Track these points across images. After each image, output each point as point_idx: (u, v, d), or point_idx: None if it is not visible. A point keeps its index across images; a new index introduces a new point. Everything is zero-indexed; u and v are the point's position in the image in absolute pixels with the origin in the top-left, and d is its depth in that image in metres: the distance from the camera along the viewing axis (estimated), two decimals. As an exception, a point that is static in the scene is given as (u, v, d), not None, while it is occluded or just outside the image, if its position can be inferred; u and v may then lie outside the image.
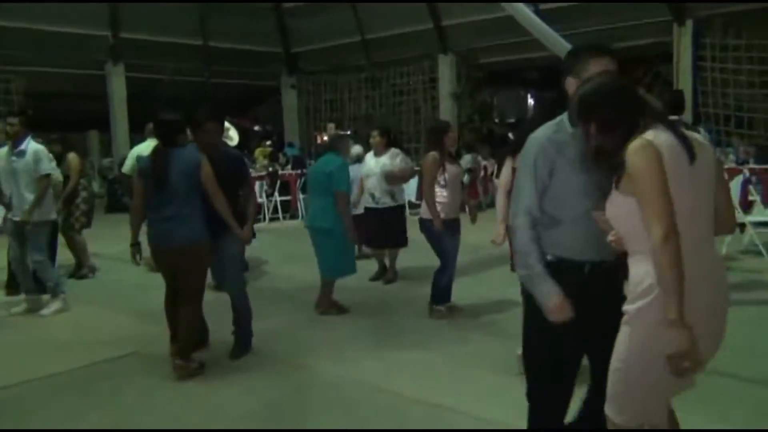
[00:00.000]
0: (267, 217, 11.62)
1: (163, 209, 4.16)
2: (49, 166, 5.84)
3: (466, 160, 12.62)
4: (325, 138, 16.32)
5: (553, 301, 2.33)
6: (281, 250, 9.06)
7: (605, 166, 2.15)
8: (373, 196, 6.74)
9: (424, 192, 5.42)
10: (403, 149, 7.78)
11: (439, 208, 5.39)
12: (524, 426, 3.39)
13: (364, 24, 15.68)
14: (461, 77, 15.42)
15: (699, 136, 2.20)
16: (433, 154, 5.44)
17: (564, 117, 2.46)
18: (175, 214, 4.13)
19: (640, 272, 2.07)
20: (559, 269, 2.38)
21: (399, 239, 6.82)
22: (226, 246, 4.47)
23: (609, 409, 2.21)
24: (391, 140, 7.05)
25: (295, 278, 7.23)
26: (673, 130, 2.07)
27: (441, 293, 5.53)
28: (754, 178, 8.77)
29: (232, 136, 7.13)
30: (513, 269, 4.39)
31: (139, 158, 4.85)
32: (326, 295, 5.77)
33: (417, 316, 5.56)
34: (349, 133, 6.73)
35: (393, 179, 6.68)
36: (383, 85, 16.39)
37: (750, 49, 11.53)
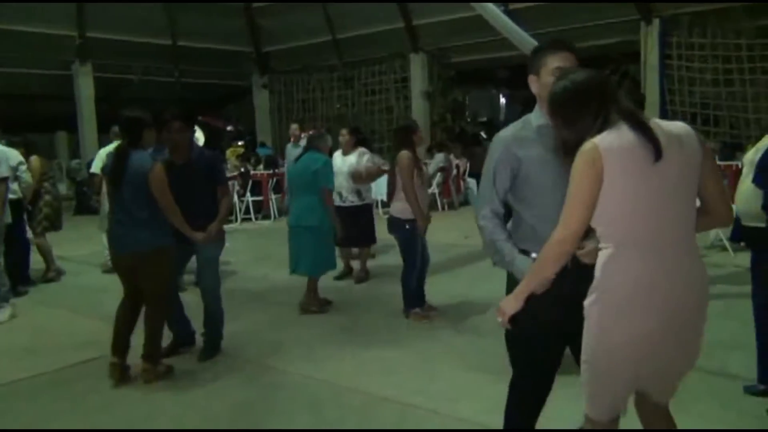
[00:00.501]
0: (239, 218, 11.54)
1: (120, 212, 4.07)
2: (4, 169, 5.76)
3: (439, 158, 12.68)
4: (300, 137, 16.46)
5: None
6: (253, 250, 9.01)
7: (569, 161, 2.14)
8: (340, 194, 6.70)
9: (407, 191, 5.34)
10: (373, 149, 7.79)
11: (403, 207, 5.38)
12: (493, 423, 3.42)
13: (335, 23, 15.63)
14: (433, 76, 15.45)
15: (681, 128, 2.13)
16: (407, 153, 5.43)
17: (530, 115, 2.49)
18: (131, 218, 4.02)
19: (599, 257, 2.10)
20: None
21: (367, 238, 6.83)
22: (202, 248, 4.43)
23: (585, 405, 2.24)
24: (359, 139, 7.09)
25: (267, 278, 7.20)
26: (640, 128, 2.04)
27: (414, 295, 5.50)
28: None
29: (198, 137, 7.08)
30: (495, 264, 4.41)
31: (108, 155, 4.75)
32: (314, 294, 5.80)
33: (388, 315, 5.57)
34: (324, 131, 6.66)
35: (360, 178, 6.69)
36: (355, 84, 16.35)
37: (715, 47, 11.71)
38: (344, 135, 6.97)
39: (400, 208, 5.41)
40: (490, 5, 6.85)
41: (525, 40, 6.90)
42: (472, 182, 13.87)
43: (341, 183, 6.68)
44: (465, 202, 13.41)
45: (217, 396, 3.99)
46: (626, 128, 2.04)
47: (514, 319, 2.26)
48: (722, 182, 2.25)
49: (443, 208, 12.37)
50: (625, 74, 12.82)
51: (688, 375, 3.69)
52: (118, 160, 4.05)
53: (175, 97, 16.95)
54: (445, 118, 15.68)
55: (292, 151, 9.48)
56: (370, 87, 16.17)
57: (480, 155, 16.64)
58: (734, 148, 11.06)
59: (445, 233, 8.88)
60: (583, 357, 2.16)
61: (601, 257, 2.07)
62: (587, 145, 2.03)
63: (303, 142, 9.33)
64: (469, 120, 17.91)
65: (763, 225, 3.40)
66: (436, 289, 6.00)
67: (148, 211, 4.01)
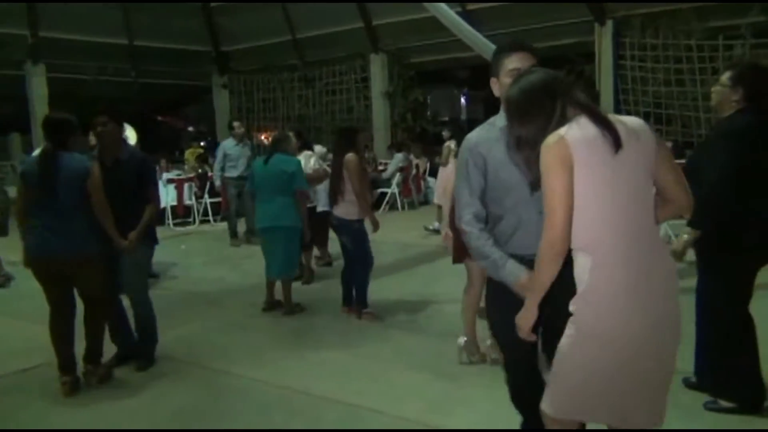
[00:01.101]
0: (197, 220, 11.41)
1: (49, 217, 3.89)
2: None
3: (398, 158, 12.73)
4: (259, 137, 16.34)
5: (522, 277, 2.31)
6: (210, 252, 8.94)
7: (526, 158, 2.18)
8: None
9: (359, 193, 5.36)
10: (329, 149, 7.72)
11: (351, 209, 5.40)
12: (436, 422, 3.47)
13: (294, 23, 15.56)
14: (393, 76, 15.48)
15: (636, 121, 2.16)
16: (354, 156, 5.44)
17: (495, 117, 2.54)
18: (65, 223, 3.88)
19: (577, 270, 2.09)
20: None
21: (312, 240, 6.62)
22: (128, 251, 4.27)
23: (543, 401, 2.24)
24: (305, 142, 6.99)
25: (222, 281, 7.15)
26: (599, 120, 2.07)
27: (365, 295, 5.53)
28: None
29: (130, 136, 6.88)
30: (455, 262, 4.45)
31: (23, 160, 4.64)
32: (290, 294, 5.80)
33: (337, 317, 5.58)
34: (287, 133, 6.58)
35: (308, 180, 6.51)
36: (316, 84, 16.29)
37: (667, 48, 11.97)
38: (294, 137, 6.81)
39: (347, 210, 5.41)
40: (443, 5, 6.93)
41: (479, 41, 7.00)
42: (432, 182, 13.96)
43: None
44: (425, 202, 13.48)
45: (160, 401, 3.95)
46: (585, 121, 2.07)
47: (535, 328, 2.24)
48: (679, 169, 2.25)
49: (403, 208, 12.43)
50: (580, 74, 13.00)
51: None
52: (46, 164, 3.88)
53: (133, 97, 16.74)
54: (406, 118, 15.73)
55: (233, 150, 9.36)
56: (330, 87, 16.12)
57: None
58: (685, 147, 11.36)
59: (404, 232, 8.93)
60: (556, 360, 2.16)
61: (582, 262, 2.06)
62: (553, 138, 2.06)
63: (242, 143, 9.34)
64: (430, 120, 17.99)
65: None
66: (391, 289, 6.04)
67: (84, 215, 3.91)
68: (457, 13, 7.76)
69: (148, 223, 4.30)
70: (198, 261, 8.24)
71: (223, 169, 9.28)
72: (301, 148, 6.73)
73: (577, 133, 2.04)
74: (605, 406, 2.14)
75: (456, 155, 4.76)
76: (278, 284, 5.79)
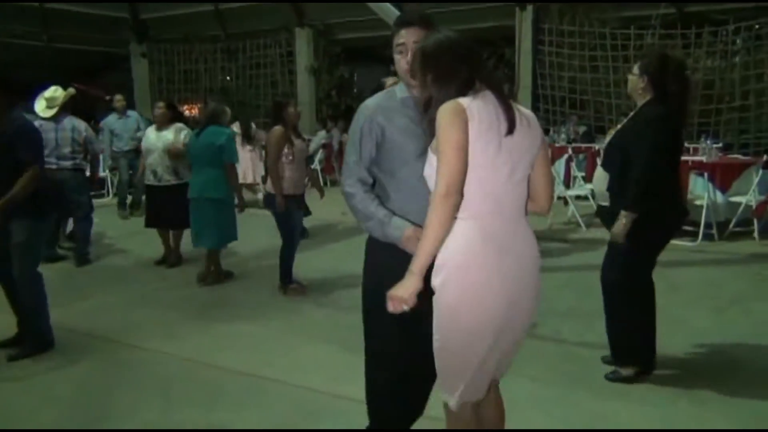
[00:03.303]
0: (111, 192, 11.09)
1: None
2: None
3: (321, 135, 12.72)
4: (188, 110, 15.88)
5: (407, 231, 2.25)
6: (125, 226, 8.74)
7: (430, 120, 2.11)
8: (155, 173, 6.33)
9: (269, 167, 5.38)
10: (258, 124, 7.59)
11: (285, 184, 5.39)
12: (340, 391, 3.57)
13: (217, -8, 15.20)
14: (319, 52, 15.38)
15: (530, 113, 2.20)
16: (279, 129, 5.41)
17: (395, 87, 2.47)
18: None
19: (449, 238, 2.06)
20: None
21: (182, 220, 6.20)
22: (12, 232, 4.01)
23: (441, 390, 2.24)
24: (176, 114, 6.67)
25: (135, 255, 7.02)
26: (501, 99, 2.08)
27: (290, 269, 5.57)
28: (581, 156, 9.53)
29: (57, 96, 6.54)
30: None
31: None
32: (216, 265, 5.86)
33: (252, 291, 5.61)
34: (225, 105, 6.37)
35: (177, 155, 6.27)
36: (240, 56, 16.00)
37: (583, 35, 12.41)
38: (161, 108, 6.49)
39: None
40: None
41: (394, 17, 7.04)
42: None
43: (156, 160, 6.30)
44: (348, 179, 13.53)
45: (61, 375, 3.89)
46: (489, 96, 2.08)
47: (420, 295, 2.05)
48: (551, 173, 2.34)
49: (325, 185, 12.44)
50: (501, 57, 13.33)
51: (543, 344, 3.97)
52: None
53: (45, 62, 15.95)
54: (331, 95, 15.69)
55: (116, 125, 9.31)
56: (255, 60, 15.86)
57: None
58: (597, 131, 11.87)
59: (323, 209, 8.94)
60: (437, 343, 2.14)
61: (458, 228, 2.06)
62: (450, 103, 2.03)
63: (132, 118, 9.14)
64: (356, 97, 17.98)
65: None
66: (307, 264, 6.09)
67: None
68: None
69: (19, 195, 3.89)
70: (112, 234, 8.05)
71: (112, 144, 9.35)
72: (171, 121, 6.42)
73: (474, 106, 2.04)
74: (489, 372, 2.23)
75: None
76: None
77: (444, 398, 2.27)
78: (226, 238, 5.93)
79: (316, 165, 12.46)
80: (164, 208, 6.31)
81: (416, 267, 2.02)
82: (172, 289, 5.71)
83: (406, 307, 2.02)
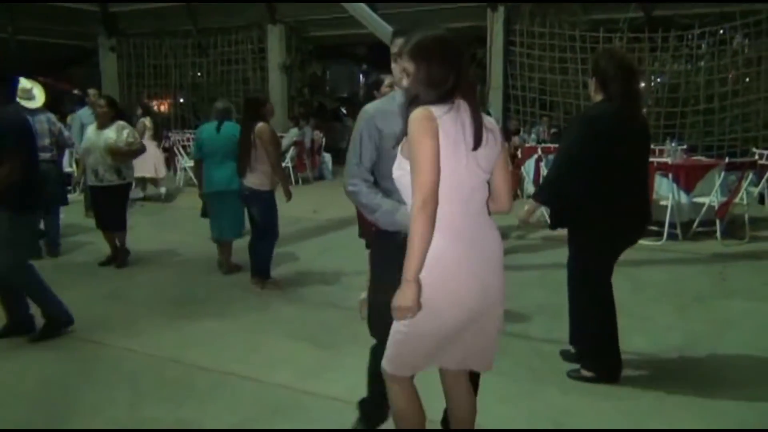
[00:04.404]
0: (77, 188, 10.89)
1: None
2: None
3: (293, 133, 12.66)
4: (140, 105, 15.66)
5: None
6: (90, 220, 8.59)
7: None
8: (96, 173, 6.06)
9: (275, 164, 5.41)
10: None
11: (268, 179, 5.39)
12: (308, 387, 3.58)
13: (188, -13, 15.04)
14: (291, 49, 15.32)
15: (494, 124, 2.30)
16: (267, 126, 5.41)
17: (396, 92, 2.58)
18: None
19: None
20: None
21: (121, 223, 6.24)
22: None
23: (384, 360, 2.34)
24: (118, 112, 6.44)
25: (98, 250, 6.90)
26: (475, 116, 2.17)
27: (268, 265, 5.58)
28: (550, 156, 9.63)
29: (36, 95, 6.45)
30: (361, 236, 4.48)
31: None
32: (231, 256, 6.05)
33: (222, 287, 5.58)
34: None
35: (119, 155, 6.10)
36: (211, 52, 15.84)
37: (553, 37, 12.57)
38: (102, 107, 6.23)
39: (260, 180, 5.38)
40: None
41: (372, 20, 7.09)
42: (328, 157, 14.01)
43: (97, 160, 6.03)
44: (320, 177, 13.52)
45: (27, 372, 3.84)
46: (463, 110, 2.15)
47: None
48: (509, 175, 2.45)
49: (297, 182, 12.41)
50: (473, 57, 13.42)
51: (511, 340, 3.99)
52: None
53: (10, 55, 15.60)
54: (303, 92, 15.64)
55: (89, 119, 8.66)
56: (226, 56, 15.73)
57: (339, 131, 16.82)
58: (567, 133, 12.01)
59: (295, 207, 8.93)
60: (401, 326, 2.21)
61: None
62: (424, 112, 2.10)
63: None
64: (328, 95, 17.97)
65: None
66: (279, 261, 6.07)
67: None
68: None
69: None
70: (77, 229, 7.91)
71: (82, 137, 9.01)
72: (113, 119, 6.21)
73: (451, 117, 2.12)
74: (448, 355, 2.33)
75: None
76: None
77: (383, 363, 2.36)
78: (241, 229, 6.03)
79: (287, 162, 12.44)
80: (105, 209, 6.13)
81: (410, 275, 2.09)
82: (138, 287, 5.66)
83: (411, 315, 2.11)
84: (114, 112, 6.27)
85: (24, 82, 6.28)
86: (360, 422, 3.00)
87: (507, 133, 10.96)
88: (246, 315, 4.86)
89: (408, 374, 2.38)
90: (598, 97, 3.55)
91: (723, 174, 7.29)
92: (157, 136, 10.12)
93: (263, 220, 5.49)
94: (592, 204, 3.46)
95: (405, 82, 2.31)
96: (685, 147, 8.94)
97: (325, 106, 17.43)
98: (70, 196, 9.56)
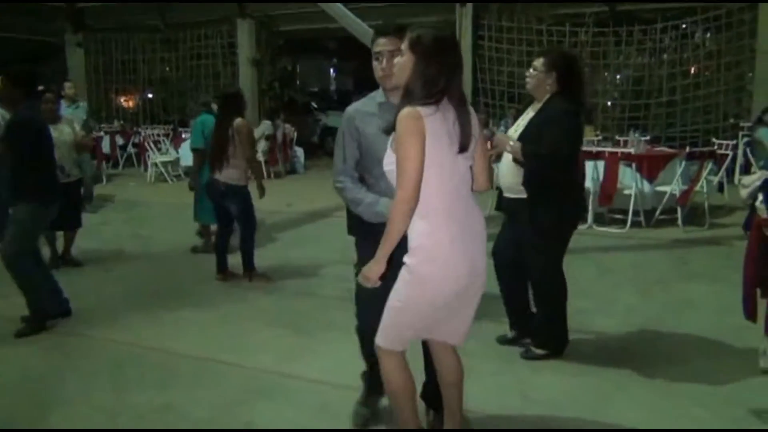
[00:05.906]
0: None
1: None
2: None
3: (264, 126, 12.67)
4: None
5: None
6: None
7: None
8: (62, 169, 5.52)
9: (251, 158, 5.51)
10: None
11: (240, 175, 5.43)
12: (288, 371, 3.70)
13: (156, -19, 14.91)
14: (261, 43, 15.30)
15: (475, 116, 2.44)
16: (244, 121, 5.46)
17: (375, 92, 2.73)
18: None
19: (415, 228, 2.34)
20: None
21: (78, 219, 6.14)
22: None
23: (378, 337, 2.51)
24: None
25: (78, 246, 6.91)
26: (462, 118, 2.33)
27: (252, 257, 5.64)
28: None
29: None
30: (350, 233, 4.55)
31: None
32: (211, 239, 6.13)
33: (200, 280, 5.64)
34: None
35: (83, 148, 6.09)
36: (180, 47, 15.75)
37: (520, 32, 12.79)
38: (50, 102, 5.82)
39: (236, 175, 5.40)
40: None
41: (344, 15, 7.16)
42: (300, 151, 14.06)
43: (64, 155, 5.65)
44: (292, 171, 13.57)
45: (6, 366, 3.89)
46: (451, 113, 2.32)
47: (383, 278, 2.41)
48: (488, 158, 2.65)
49: (269, 176, 12.44)
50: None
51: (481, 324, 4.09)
52: None
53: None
54: (274, 87, 15.65)
55: (65, 113, 8.88)
56: (195, 51, 15.65)
57: (311, 125, 16.86)
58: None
59: (268, 200, 9.00)
60: (394, 302, 2.41)
61: (418, 227, 2.33)
62: (410, 111, 2.24)
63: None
64: (298, 89, 17.98)
65: (523, 197, 3.84)
66: (255, 254, 6.14)
67: None
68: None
69: None
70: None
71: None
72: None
73: (438, 118, 2.28)
74: (437, 325, 2.52)
75: None
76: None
77: (377, 340, 2.53)
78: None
79: (260, 156, 12.46)
80: (67, 207, 5.62)
81: (381, 255, 2.35)
82: (116, 282, 5.70)
83: (370, 285, 2.42)
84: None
85: None
86: (366, 395, 3.11)
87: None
88: (225, 305, 4.95)
89: (401, 348, 2.54)
90: (549, 92, 3.66)
91: (684, 163, 7.56)
92: None
93: (243, 215, 5.53)
94: (566, 192, 3.71)
95: (391, 82, 2.51)
96: (648, 138, 9.21)
97: (294, 100, 17.46)
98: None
